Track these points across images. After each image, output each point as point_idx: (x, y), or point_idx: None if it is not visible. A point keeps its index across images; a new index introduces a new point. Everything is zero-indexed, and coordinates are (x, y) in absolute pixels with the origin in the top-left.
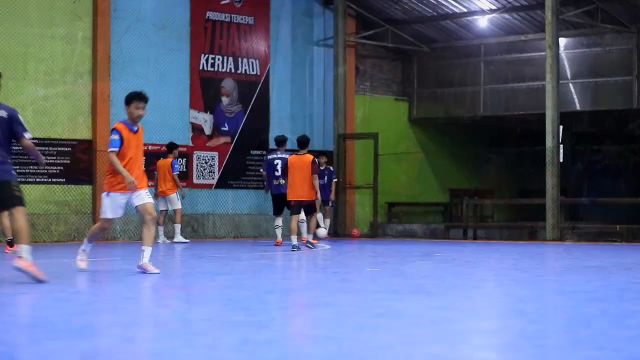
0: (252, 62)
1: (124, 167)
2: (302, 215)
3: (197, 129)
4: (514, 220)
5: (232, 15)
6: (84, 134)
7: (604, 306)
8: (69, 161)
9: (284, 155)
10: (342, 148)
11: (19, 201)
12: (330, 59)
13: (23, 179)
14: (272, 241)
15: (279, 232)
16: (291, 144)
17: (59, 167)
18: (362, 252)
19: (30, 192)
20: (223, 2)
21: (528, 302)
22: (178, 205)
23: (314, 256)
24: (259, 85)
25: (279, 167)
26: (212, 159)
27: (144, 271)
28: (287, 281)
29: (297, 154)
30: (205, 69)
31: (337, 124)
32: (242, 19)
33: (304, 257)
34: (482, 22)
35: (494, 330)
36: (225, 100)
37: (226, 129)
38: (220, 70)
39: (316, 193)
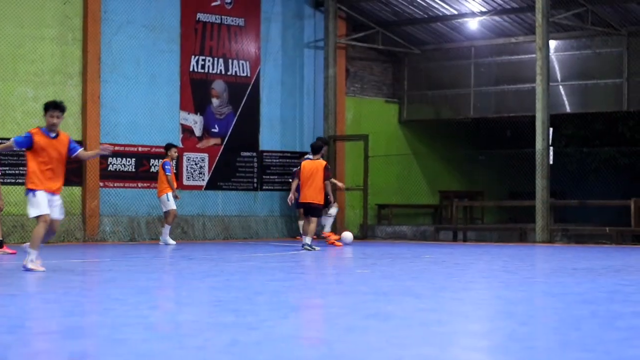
0: (243, 64)
1: (45, 170)
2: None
3: (187, 131)
4: (504, 222)
5: (223, 16)
6: (74, 135)
7: (593, 308)
8: None
9: None
10: (332, 150)
11: None
12: (321, 61)
13: (13, 180)
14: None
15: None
16: (282, 145)
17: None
18: (352, 254)
19: (20, 193)
20: (213, 4)
21: (518, 304)
22: (168, 206)
23: (304, 258)
24: (249, 87)
25: None
26: (202, 160)
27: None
28: (277, 283)
29: (309, 159)
30: (196, 70)
31: (328, 125)
32: (232, 21)
33: (294, 259)
34: (473, 25)
35: (483, 332)
36: (215, 101)
37: (216, 130)
38: (210, 71)
39: (328, 197)
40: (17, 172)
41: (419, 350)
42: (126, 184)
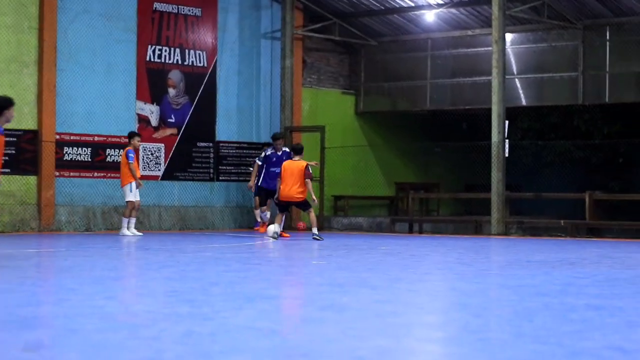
0: (199, 54)
1: None
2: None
3: (143, 121)
4: (460, 214)
5: (180, 6)
6: (30, 124)
7: (547, 300)
8: (14, 151)
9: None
10: (289, 141)
11: None
12: (278, 52)
13: None
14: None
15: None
16: (239, 136)
17: (4, 157)
18: (308, 245)
19: None
20: None
21: (472, 296)
22: (130, 197)
23: (260, 249)
24: (206, 77)
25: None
26: (159, 150)
27: None
28: (232, 273)
29: (292, 159)
30: (152, 60)
31: (284, 116)
32: (189, 11)
33: (250, 250)
34: (430, 17)
35: (438, 323)
36: (172, 91)
37: (173, 120)
38: (167, 61)
39: (311, 194)
40: None
41: (375, 342)
42: (82, 174)
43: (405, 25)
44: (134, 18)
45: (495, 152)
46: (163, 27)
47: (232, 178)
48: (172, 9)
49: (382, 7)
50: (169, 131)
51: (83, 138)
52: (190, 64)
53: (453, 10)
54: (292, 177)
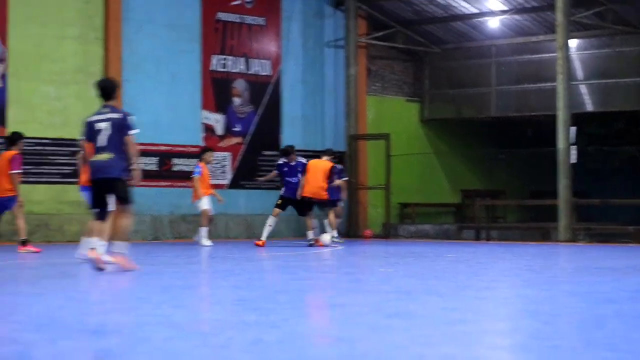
0: (264, 63)
1: None
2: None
3: (209, 130)
4: (526, 221)
5: (243, 15)
6: None
7: (617, 307)
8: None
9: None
10: (354, 149)
11: (128, 200)
12: (341, 60)
13: (36, 180)
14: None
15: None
16: (304, 144)
17: (71, 167)
18: (375, 253)
19: (43, 192)
20: (234, 3)
21: (541, 303)
22: (203, 206)
23: (327, 257)
24: (271, 86)
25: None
26: (225, 159)
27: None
28: (300, 281)
29: (318, 158)
30: (217, 69)
31: (349, 124)
32: (253, 20)
33: (317, 257)
34: (493, 23)
35: (506, 331)
36: (236, 100)
37: (238, 129)
38: (231, 70)
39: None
40: (39, 170)
41: (442, 349)
42: (149, 183)
43: (469, 32)
44: (197, 28)
45: (561, 158)
46: (227, 37)
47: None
48: (236, 18)
49: (446, 14)
50: (235, 140)
51: (149, 148)
52: (254, 72)
53: (517, 16)
54: (315, 175)
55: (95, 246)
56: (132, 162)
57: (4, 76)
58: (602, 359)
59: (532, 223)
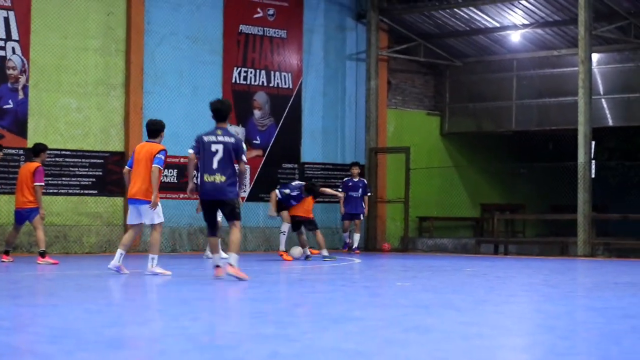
0: (285, 76)
1: None
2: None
3: None
4: (545, 235)
5: (265, 28)
6: (117, 146)
7: (634, 323)
8: (101, 173)
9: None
10: (374, 162)
11: (238, 217)
12: (362, 73)
13: (55, 191)
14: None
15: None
16: (324, 157)
17: (91, 179)
18: (393, 266)
19: (62, 203)
20: (256, 16)
21: (559, 318)
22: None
23: (345, 270)
24: (291, 99)
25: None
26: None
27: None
28: (317, 295)
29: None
30: (238, 82)
31: (369, 137)
32: (274, 33)
33: (335, 270)
34: (515, 37)
35: (524, 346)
36: (257, 113)
37: (258, 142)
38: (252, 83)
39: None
40: (59, 182)
41: None
42: (168, 195)
43: (491, 45)
44: (219, 40)
45: (581, 172)
46: (249, 49)
47: (316, 199)
48: (258, 31)
49: (467, 28)
50: (255, 152)
51: (169, 160)
52: (275, 85)
53: (539, 30)
54: (306, 199)
55: (231, 261)
56: (242, 183)
57: (25, 88)
58: None
59: (550, 238)
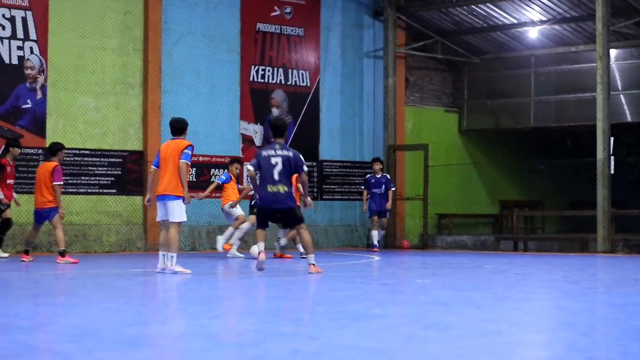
0: (302, 74)
1: None
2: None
3: (247, 140)
4: (565, 231)
5: (282, 26)
6: (135, 145)
7: None
8: (120, 172)
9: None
10: (392, 159)
11: (301, 220)
12: (380, 70)
13: (74, 190)
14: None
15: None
16: (342, 155)
17: (110, 178)
18: (412, 264)
19: (81, 202)
20: (273, 14)
21: (579, 314)
22: (236, 212)
23: (364, 268)
24: (309, 97)
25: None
26: None
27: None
28: (337, 292)
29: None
30: (256, 80)
31: (387, 135)
32: (292, 31)
33: (354, 268)
34: (533, 34)
35: (544, 342)
36: (275, 111)
37: None
38: (270, 81)
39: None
40: (78, 181)
41: None
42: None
43: (509, 42)
44: (237, 39)
45: (600, 168)
46: (266, 48)
47: (335, 197)
48: (275, 29)
49: (485, 25)
50: None
51: None
52: (293, 83)
53: (556, 26)
54: None
55: (311, 261)
56: (304, 193)
57: (43, 87)
58: None
59: (570, 234)
